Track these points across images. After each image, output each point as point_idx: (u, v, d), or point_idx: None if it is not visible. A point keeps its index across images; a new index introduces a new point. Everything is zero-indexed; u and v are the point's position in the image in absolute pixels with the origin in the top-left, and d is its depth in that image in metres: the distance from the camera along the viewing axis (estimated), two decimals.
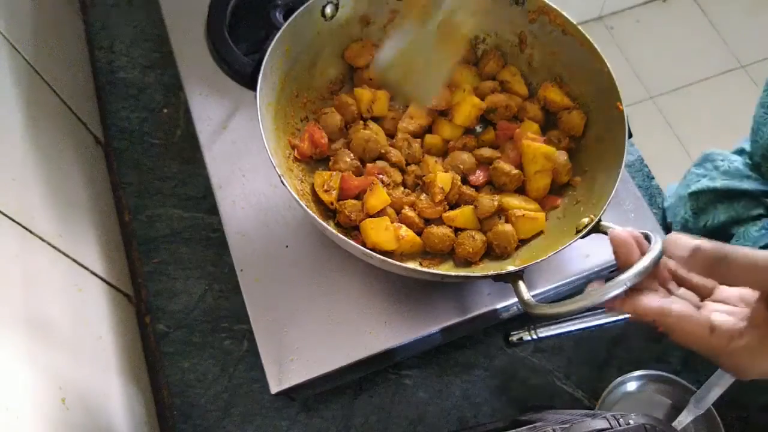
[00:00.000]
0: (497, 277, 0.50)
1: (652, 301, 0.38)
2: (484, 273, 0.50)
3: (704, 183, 0.71)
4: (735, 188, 0.68)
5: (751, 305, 0.37)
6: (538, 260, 0.50)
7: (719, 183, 0.69)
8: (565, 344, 0.66)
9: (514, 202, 0.58)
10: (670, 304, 0.38)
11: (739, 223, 0.68)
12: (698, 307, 0.39)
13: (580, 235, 0.50)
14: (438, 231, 0.56)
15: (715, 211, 0.69)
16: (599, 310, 0.63)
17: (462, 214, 0.57)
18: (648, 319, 0.39)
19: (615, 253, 0.41)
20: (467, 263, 0.56)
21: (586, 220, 0.52)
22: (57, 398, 0.48)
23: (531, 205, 0.58)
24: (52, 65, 0.70)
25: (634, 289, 0.39)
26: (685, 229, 0.71)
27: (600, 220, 0.50)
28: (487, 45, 0.66)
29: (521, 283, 0.48)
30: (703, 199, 0.70)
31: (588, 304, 0.40)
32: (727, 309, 0.39)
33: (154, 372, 0.67)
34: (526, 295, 0.46)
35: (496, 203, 0.57)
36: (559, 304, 0.42)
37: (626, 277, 0.38)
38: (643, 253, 0.40)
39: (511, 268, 0.50)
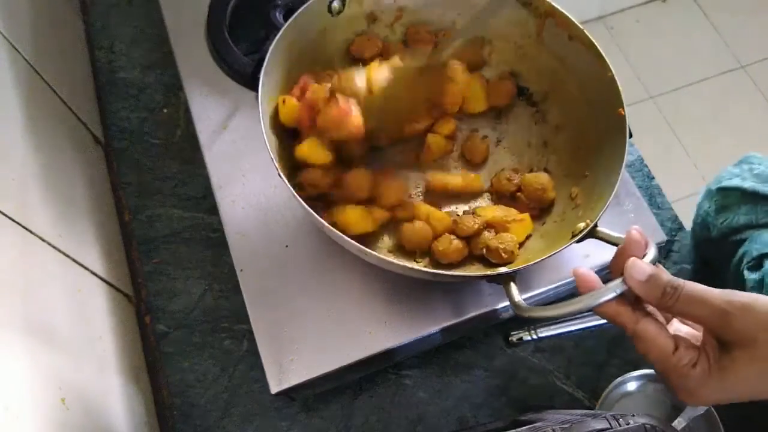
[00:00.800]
0: (490, 278, 0.50)
1: (627, 308, 0.40)
2: (478, 273, 0.50)
3: (735, 181, 0.71)
4: (760, 192, 0.68)
5: (702, 334, 0.39)
6: (531, 263, 0.49)
7: (748, 184, 0.69)
8: (565, 344, 0.66)
9: (497, 213, 0.57)
10: (643, 316, 0.39)
11: (756, 227, 0.68)
12: (666, 320, 0.41)
13: (575, 239, 0.50)
14: (416, 225, 0.56)
15: (738, 211, 0.69)
16: None
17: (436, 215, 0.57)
18: (619, 324, 0.40)
19: (613, 259, 0.43)
20: (449, 266, 0.56)
21: (582, 225, 0.51)
22: (57, 398, 0.48)
23: (513, 211, 0.58)
24: (52, 65, 0.70)
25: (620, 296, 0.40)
26: (704, 222, 0.72)
27: (596, 226, 0.50)
28: (492, 46, 0.66)
29: (513, 285, 0.48)
30: (730, 197, 0.71)
31: (579, 308, 0.40)
32: (690, 332, 0.41)
33: (154, 372, 0.67)
34: (517, 297, 0.47)
35: (478, 223, 0.56)
36: (549, 307, 0.42)
37: (617, 284, 0.39)
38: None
39: (503, 269, 0.50)
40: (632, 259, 0.39)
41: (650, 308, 0.41)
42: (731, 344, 0.37)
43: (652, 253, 0.41)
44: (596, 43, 0.57)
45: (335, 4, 0.59)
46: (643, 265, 0.39)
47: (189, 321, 0.67)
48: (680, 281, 0.38)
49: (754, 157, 0.74)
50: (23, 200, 0.54)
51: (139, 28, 0.83)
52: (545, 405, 0.63)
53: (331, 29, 0.61)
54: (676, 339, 0.39)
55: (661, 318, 0.41)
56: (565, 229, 0.54)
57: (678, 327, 0.42)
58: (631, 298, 0.40)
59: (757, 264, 0.64)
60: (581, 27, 0.58)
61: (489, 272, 0.49)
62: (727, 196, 0.71)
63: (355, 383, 0.64)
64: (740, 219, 0.69)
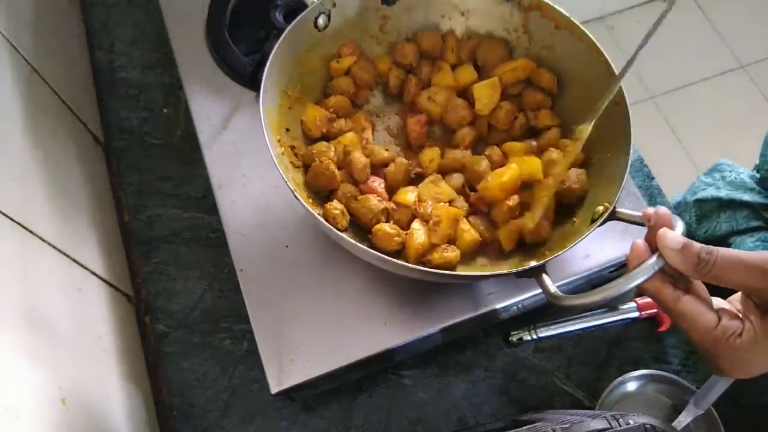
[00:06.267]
0: (520, 274, 0.49)
1: (668, 286, 0.39)
2: (508, 270, 0.49)
3: (710, 191, 0.72)
4: (737, 199, 0.68)
5: (741, 302, 0.39)
6: (561, 252, 0.49)
7: (723, 192, 0.70)
8: (565, 344, 0.66)
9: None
10: (684, 293, 0.39)
11: (737, 234, 0.68)
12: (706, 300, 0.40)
13: (597, 223, 0.50)
14: (368, 203, 0.55)
15: (718, 220, 0.70)
16: (601, 310, 0.63)
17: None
18: (660, 302, 0.39)
19: (646, 237, 0.42)
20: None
21: (600, 208, 0.51)
22: (57, 398, 0.48)
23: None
24: (52, 65, 0.70)
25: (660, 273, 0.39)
26: (687, 233, 0.72)
27: (615, 208, 0.50)
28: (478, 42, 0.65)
29: (545, 276, 0.47)
30: (707, 207, 0.71)
31: (616, 292, 0.40)
32: (730, 307, 0.40)
33: (154, 372, 0.67)
34: (552, 287, 0.46)
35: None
36: (586, 294, 0.42)
37: (653, 263, 0.39)
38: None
39: (533, 263, 0.49)
40: (663, 229, 0.39)
41: (692, 287, 0.41)
42: None
43: (680, 225, 0.40)
44: (586, 30, 0.57)
45: (320, 21, 0.60)
46: (676, 235, 0.38)
47: (189, 321, 0.67)
48: (714, 247, 0.37)
49: (725, 165, 0.75)
50: (23, 200, 0.54)
51: (139, 28, 0.83)
52: (545, 405, 0.63)
53: (322, 43, 0.61)
54: (719, 312, 0.38)
55: (705, 296, 0.40)
56: (582, 216, 0.54)
57: (720, 303, 0.41)
58: (671, 276, 0.40)
59: None
60: (567, 15, 0.59)
61: (520, 267, 0.48)
62: (704, 207, 0.72)
63: (355, 383, 0.64)
64: (722, 227, 0.69)
